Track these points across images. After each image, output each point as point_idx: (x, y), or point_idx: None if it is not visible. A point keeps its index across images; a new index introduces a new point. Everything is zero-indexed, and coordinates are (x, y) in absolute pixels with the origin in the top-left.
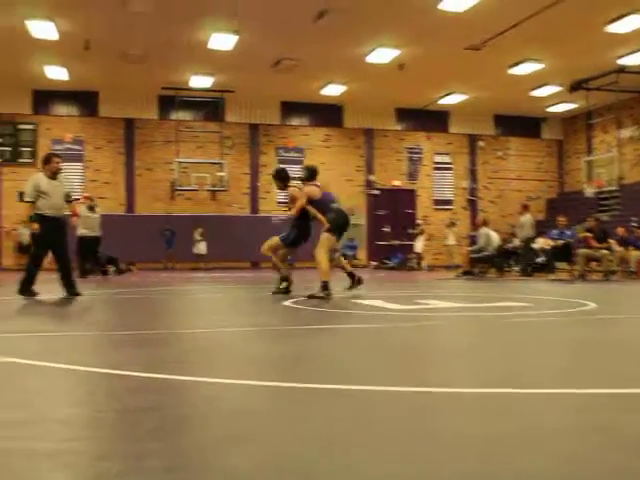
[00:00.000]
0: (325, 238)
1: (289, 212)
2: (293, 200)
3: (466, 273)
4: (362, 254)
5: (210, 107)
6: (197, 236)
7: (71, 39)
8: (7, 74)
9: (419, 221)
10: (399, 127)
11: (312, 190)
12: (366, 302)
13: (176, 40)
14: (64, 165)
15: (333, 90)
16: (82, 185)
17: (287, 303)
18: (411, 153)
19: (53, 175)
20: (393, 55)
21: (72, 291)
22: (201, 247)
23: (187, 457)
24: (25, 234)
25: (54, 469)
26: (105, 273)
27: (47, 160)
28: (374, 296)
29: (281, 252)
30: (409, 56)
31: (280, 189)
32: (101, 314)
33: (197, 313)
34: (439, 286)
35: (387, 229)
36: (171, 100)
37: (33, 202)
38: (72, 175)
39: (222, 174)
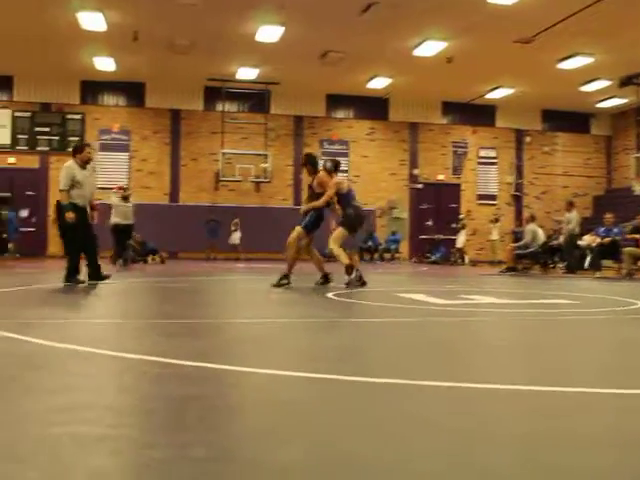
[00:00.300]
0: (339, 232)
1: (316, 203)
2: (321, 185)
3: (510, 269)
4: (405, 247)
5: (255, 99)
6: (232, 226)
7: (119, 30)
8: (57, 65)
9: (461, 216)
10: (444, 121)
11: (342, 182)
12: (409, 296)
13: (223, 32)
14: (111, 155)
15: (379, 83)
16: (127, 174)
17: (329, 295)
18: (456, 147)
19: (84, 164)
20: (440, 48)
21: (98, 276)
22: (235, 237)
23: (232, 448)
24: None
25: (103, 455)
26: (146, 262)
27: (80, 149)
28: (417, 290)
29: (304, 241)
30: (457, 49)
31: (310, 174)
32: (144, 302)
33: (239, 303)
34: (482, 281)
35: (430, 223)
36: (217, 91)
37: (68, 191)
38: (118, 165)
39: (266, 165)
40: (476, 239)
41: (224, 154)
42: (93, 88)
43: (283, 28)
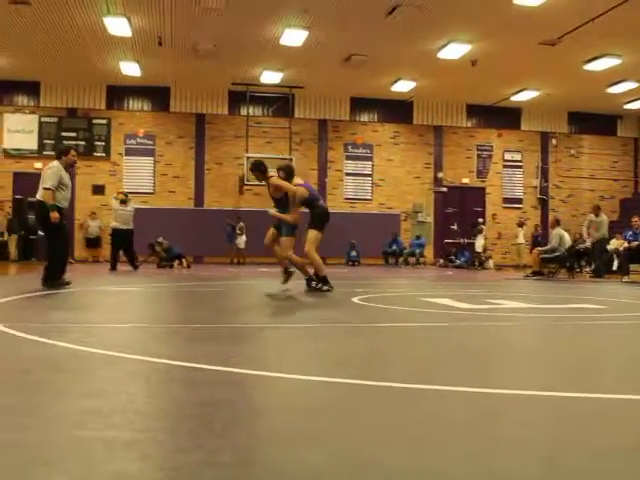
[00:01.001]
0: (313, 235)
1: (287, 218)
2: (277, 189)
3: (535, 273)
4: (429, 252)
5: (279, 103)
6: (238, 230)
7: (144, 35)
8: (83, 70)
9: (480, 220)
10: (469, 124)
11: (303, 192)
12: (434, 300)
13: (247, 36)
14: (136, 159)
15: (403, 86)
16: (152, 179)
17: (355, 300)
18: (481, 150)
19: (68, 167)
20: (465, 50)
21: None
22: (240, 241)
23: (258, 453)
24: (94, 227)
25: (132, 459)
26: (172, 267)
27: (66, 152)
28: (442, 294)
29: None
30: (481, 51)
31: (259, 181)
32: (170, 307)
33: (264, 307)
34: (508, 286)
35: (455, 227)
36: (241, 95)
37: (53, 191)
38: (143, 169)
39: None
40: (501, 243)
41: (248, 158)
42: (119, 93)
43: (307, 32)
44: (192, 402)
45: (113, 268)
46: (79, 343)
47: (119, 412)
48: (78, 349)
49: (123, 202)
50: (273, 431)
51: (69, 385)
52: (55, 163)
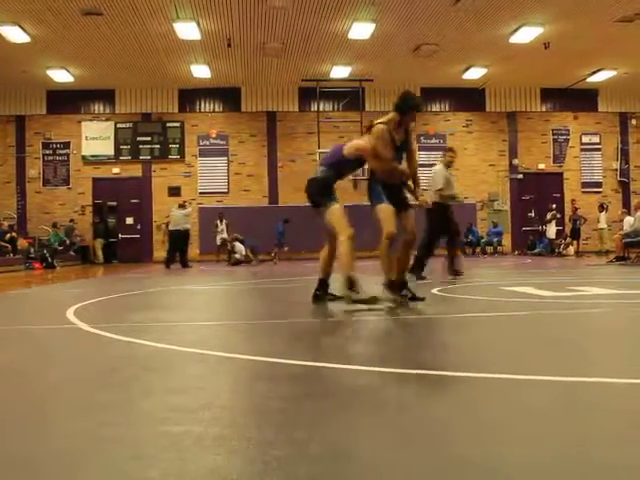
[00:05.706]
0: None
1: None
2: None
3: (619, 259)
4: (507, 240)
5: (350, 97)
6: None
7: (213, 38)
8: (156, 75)
9: (553, 205)
10: (544, 108)
11: None
12: (516, 289)
13: (314, 32)
14: (210, 160)
15: (474, 74)
16: (226, 178)
17: (434, 291)
18: (557, 135)
19: (447, 166)
20: (537, 33)
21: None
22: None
23: (346, 446)
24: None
25: (223, 454)
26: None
27: (444, 153)
28: (524, 283)
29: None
30: (554, 33)
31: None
32: (251, 303)
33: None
34: (591, 272)
35: (532, 214)
36: (311, 92)
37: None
38: (217, 169)
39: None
40: (582, 228)
41: (321, 154)
42: (190, 96)
43: (374, 24)
44: (276, 397)
45: (168, 267)
46: (165, 341)
47: (205, 408)
48: (165, 347)
49: (181, 206)
50: (359, 424)
51: (158, 382)
52: (438, 166)
